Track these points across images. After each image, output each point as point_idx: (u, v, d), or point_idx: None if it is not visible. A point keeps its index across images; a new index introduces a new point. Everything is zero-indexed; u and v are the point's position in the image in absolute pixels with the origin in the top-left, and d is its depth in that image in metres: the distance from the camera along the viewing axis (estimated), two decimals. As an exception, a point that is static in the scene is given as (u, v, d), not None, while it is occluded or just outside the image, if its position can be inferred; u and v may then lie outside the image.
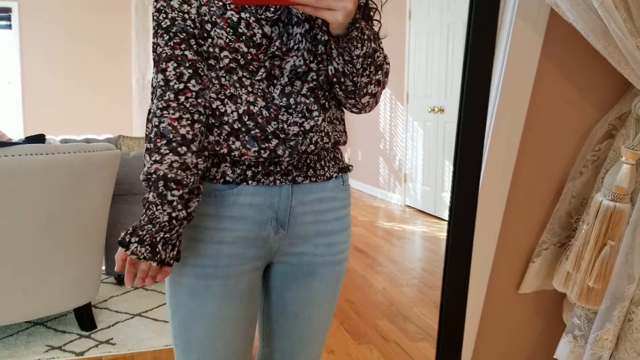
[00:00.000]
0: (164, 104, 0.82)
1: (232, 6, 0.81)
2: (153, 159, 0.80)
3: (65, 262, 2.14)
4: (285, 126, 0.84)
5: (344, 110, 0.97)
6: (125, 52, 6.08)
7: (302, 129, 0.85)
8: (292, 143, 0.85)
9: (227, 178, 0.86)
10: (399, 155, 5.39)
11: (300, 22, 0.83)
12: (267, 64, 0.83)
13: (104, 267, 2.90)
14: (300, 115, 0.85)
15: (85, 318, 2.34)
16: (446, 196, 4.49)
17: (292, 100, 0.85)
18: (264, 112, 0.84)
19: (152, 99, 0.84)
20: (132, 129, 5.91)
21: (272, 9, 0.82)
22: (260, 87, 0.84)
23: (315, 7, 0.72)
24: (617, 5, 1.09)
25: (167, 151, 0.80)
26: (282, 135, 0.84)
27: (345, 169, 0.96)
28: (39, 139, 2.22)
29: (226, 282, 0.88)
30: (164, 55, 0.82)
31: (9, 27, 5.84)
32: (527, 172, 1.40)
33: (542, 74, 1.32)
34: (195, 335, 0.90)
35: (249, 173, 0.86)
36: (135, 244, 0.79)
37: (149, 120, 0.83)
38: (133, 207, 2.86)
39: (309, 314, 0.96)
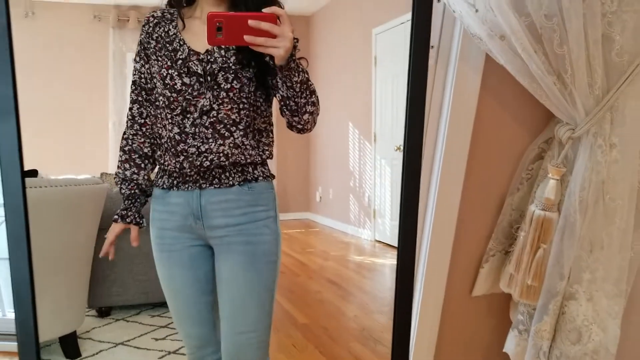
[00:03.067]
0: (134, 132, 1.32)
1: (166, 64, 1.22)
2: (130, 168, 1.32)
3: (52, 291, 2.24)
4: (187, 147, 1.21)
5: (268, 136, 1.30)
6: (102, 96, 6.24)
7: (198, 150, 1.21)
8: (190, 159, 1.22)
9: (164, 185, 1.28)
10: (368, 192, 5.63)
11: (212, 73, 1.20)
12: (184, 103, 1.21)
13: (86, 299, 2.98)
14: (200, 140, 1.21)
15: (70, 346, 2.42)
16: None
17: (196, 130, 1.21)
18: (177, 137, 1.22)
19: (127, 126, 1.33)
20: (108, 170, 6.00)
21: (196, 62, 1.20)
22: (177, 120, 1.22)
23: (265, 46, 1.06)
24: (536, 50, 1.35)
25: (140, 162, 1.32)
26: (184, 154, 1.22)
27: (253, 180, 1.27)
28: (32, 173, 2.36)
29: (171, 255, 1.30)
30: (130, 98, 1.32)
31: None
32: (474, 190, 1.63)
33: (482, 106, 1.57)
34: (164, 286, 1.34)
35: (174, 182, 1.26)
36: (131, 217, 1.34)
37: (124, 139, 1.33)
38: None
39: (234, 282, 1.27)
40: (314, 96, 1.19)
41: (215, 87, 1.20)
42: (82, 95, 6.28)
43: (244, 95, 1.21)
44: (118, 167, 1.32)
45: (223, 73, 1.20)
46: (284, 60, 1.08)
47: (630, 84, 1.37)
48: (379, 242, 5.43)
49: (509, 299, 1.69)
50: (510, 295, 1.63)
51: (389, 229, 5.19)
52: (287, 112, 1.20)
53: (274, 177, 1.32)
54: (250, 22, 1.04)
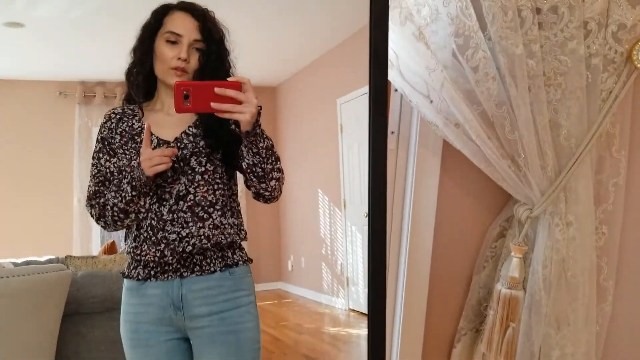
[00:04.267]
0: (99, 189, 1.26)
1: (136, 156, 1.20)
2: (110, 194, 1.22)
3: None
4: (167, 234, 1.19)
5: (239, 216, 1.29)
6: (67, 171, 6.16)
7: (179, 236, 1.19)
8: (172, 246, 1.19)
9: (139, 277, 1.23)
10: (340, 259, 5.61)
11: (184, 159, 1.21)
12: (158, 191, 1.20)
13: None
14: (179, 226, 1.20)
15: None
16: (387, 296, 4.60)
17: (174, 215, 1.20)
18: (153, 224, 1.20)
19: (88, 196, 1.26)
20: (72, 249, 5.83)
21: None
22: (154, 208, 1.20)
23: (232, 112, 1.09)
24: (489, 136, 1.43)
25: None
26: (165, 241, 1.19)
27: (234, 264, 1.25)
28: (-7, 263, 2.29)
29: (147, 350, 1.23)
30: (91, 189, 1.25)
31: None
32: (441, 269, 1.65)
33: (444, 187, 1.62)
34: None
35: (151, 272, 1.22)
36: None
37: (95, 204, 1.24)
38: (79, 327, 2.84)
39: None
40: (279, 162, 1.21)
41: (189, 171, 1.21)
42: (46, 171, 6.20)
43: (218, 176, 1.23)
44: (98, 214, 1.23)
45: (195, 157, 1.22)
46: (250, 125, 1.12)
47: (580, 165, 1.45)
48: (353, 310, 5.36)
49: (483, 377, 1.68)
50: (484, 373, 1.62)
51: (362, 297, 5.13)
52: (254, 180, 1.20)
53: (251, 261, 1.30)
54: (217, 89, 1.08)
